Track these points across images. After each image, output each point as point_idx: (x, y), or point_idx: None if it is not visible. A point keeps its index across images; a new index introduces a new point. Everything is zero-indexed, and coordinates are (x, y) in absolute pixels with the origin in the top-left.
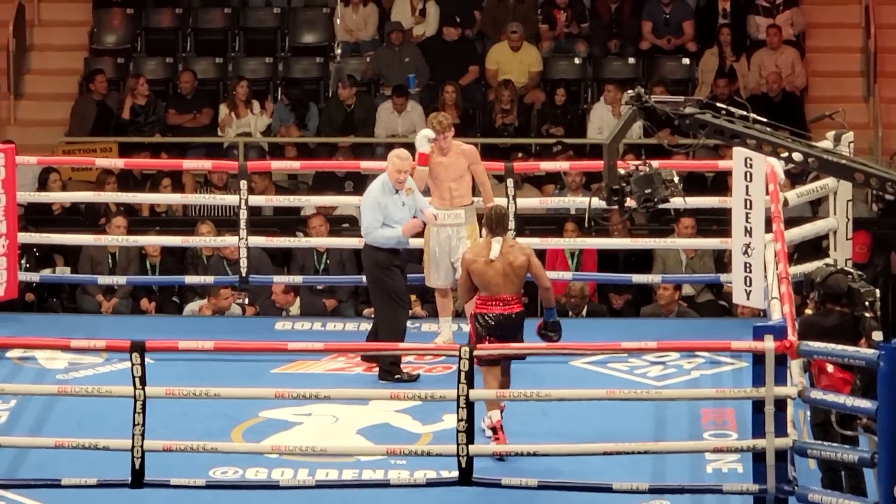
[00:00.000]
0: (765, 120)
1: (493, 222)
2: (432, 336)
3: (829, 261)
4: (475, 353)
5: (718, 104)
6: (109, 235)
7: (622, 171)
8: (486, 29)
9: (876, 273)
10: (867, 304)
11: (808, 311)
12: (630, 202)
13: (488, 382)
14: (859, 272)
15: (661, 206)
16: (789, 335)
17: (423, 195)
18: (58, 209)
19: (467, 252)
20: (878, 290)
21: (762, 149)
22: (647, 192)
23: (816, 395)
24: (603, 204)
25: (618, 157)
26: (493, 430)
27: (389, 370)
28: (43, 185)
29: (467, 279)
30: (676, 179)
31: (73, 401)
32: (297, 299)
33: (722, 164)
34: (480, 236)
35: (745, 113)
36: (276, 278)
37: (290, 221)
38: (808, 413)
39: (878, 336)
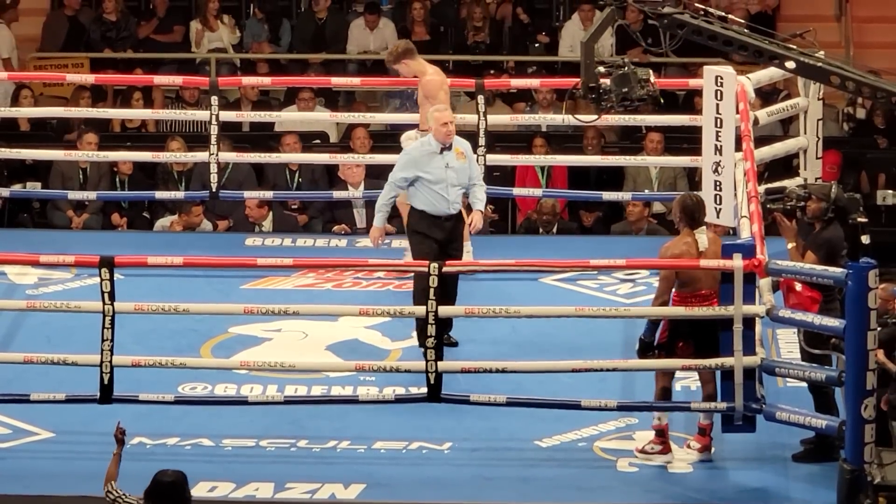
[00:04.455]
0: (743, 21)
1: (693, 212)
2: (402, 252)
3: (798, 179)
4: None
5: (697, 5)
6: (80, 151)
7: (600, 69)
8: None
9: None
10: (861, 209)
11: (791, 239)
12: (609, 100)
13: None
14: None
15: (638, 104)
16: (758, 253)
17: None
18: (26, 126)
19: (671, 249)
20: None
21: (739, 50)
22: (623, 90)
23: (785, 313)
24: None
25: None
26: (661, 433)
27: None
28: (15, 100)
29: (673, 276)
30: (652, 79)
31: (43, 316)
32: (270, 214)
33: (693, 83)
34: None
35: (723, 14)
36: (247, 193)
37: (261, 137)
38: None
39: (866, 240)
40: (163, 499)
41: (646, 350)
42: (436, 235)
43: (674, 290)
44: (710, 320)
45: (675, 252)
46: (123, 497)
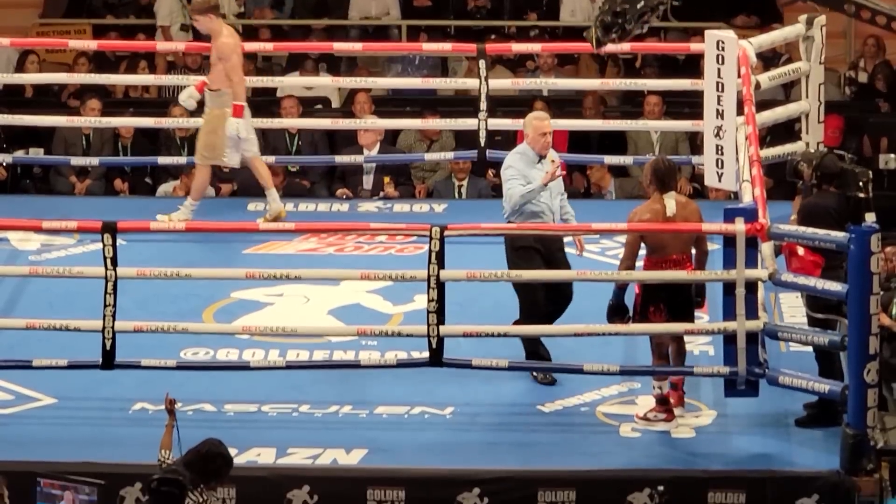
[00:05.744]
0: None
1: (663, 176)
2: (404, 216)
3: (800, 143)
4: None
5: None
6: (83, 117)
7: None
8: None
9: None
10: (861, 184)
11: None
12: (627, 23)
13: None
14: (851, 156)
15: (661, 8)
16: (760, 217)
17: None
18: (31, 92)
19: (638, 214)
20: (870, 172)
21: None
22: (638, 7)
23: (787, 277)
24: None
25: None
26: (663, 401)
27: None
28: (21, 66)
29: (638, 241)
30: None
31: (45, 282)
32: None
33: (694, 47)
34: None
35: None
36: None
37: (263, 102)
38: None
39: (870, 218)
40: (195, 465)
41: (614, 314)
42: (539, 247)
43: (644, 255)
44: (682, 285)
45: (642, 217)
46: (169, 464)
